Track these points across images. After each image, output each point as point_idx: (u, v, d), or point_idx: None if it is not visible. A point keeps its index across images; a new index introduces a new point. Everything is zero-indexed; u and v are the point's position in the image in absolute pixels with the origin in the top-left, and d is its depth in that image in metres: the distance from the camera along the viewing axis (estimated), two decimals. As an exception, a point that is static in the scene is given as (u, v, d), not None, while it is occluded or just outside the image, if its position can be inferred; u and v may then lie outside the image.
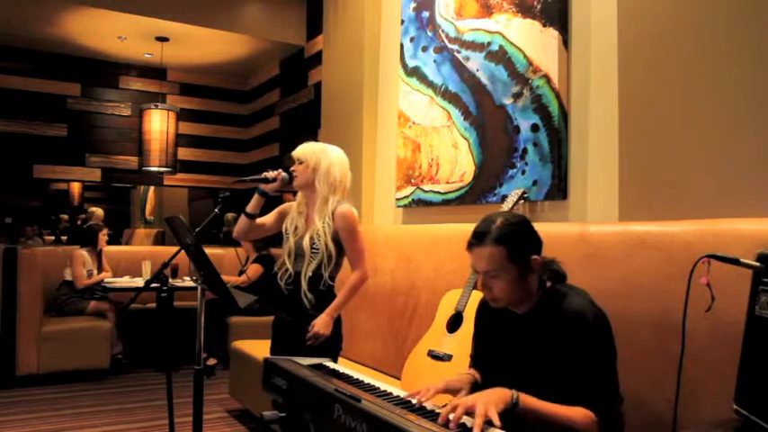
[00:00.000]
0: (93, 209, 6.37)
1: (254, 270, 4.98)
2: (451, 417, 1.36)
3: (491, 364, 1.78)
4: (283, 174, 2.45)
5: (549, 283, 1.66)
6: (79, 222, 7.24)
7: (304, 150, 2.45)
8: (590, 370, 1.54)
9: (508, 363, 1.71)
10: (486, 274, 1.59)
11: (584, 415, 1.49)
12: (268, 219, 2.57)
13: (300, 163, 2.44)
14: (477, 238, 1.59)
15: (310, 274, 2.36)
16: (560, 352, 1.58)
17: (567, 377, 1.55)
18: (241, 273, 5.12)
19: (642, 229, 1.95)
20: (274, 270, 2.49)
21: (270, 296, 2.53)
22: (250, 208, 2.48)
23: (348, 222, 2.39)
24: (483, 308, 1.85)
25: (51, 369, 4.54)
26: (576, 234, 2.15)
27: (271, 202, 2.59)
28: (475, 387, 1.70)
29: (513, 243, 1.57)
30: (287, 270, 2.42)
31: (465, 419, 1.37)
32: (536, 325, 1.64)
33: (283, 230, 2.51)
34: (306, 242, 2.37)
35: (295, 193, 2.56)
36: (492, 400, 1.38)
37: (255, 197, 2.47)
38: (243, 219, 2.50)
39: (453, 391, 1.64)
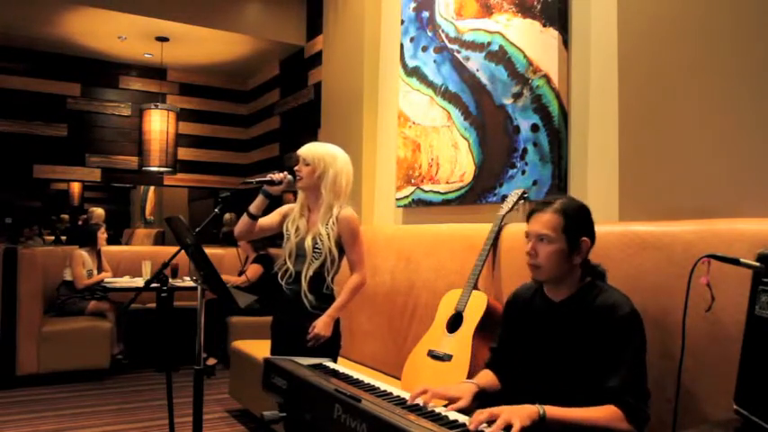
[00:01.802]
0: (94, 209, 6.37)
1: (254, 270, 4.99)
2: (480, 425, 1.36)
3: (518, 355, 1.79)
4: (289, 176, 2.45)
5: (588, 278, 1.73)
6: (80, 223, 7.25)
7: (312, 153, 2.43)
8: (620, 363, 1.56)
9: (536, 351, 1.73)
10: (537, 237, 1.69)
11: (611, 413, 1.51)
12: (269, 219, 2.57)
13: (307, 164, 2.43)
14: (541, 205, 1.73)
15: (311, 274, 2.37)
16: (591, 342, 1.61)
17: (595, 368, 1.57)
18: (241, 273, 5.13)
19: (642, 229, 1.95)
20: (274, 269, 2.50)
21: (270, 296, 2.53)
22: (253, 208, 2.48)
23: (352, 227, 2.42)
24: (512, 303, 1.90)
25: (51, 369, 4.55)
26: (576, 234, 2.14)
27: (273, 203, 2.59)
28: (477, 397, 1.70)
29: (570, 218, 1.68)
30: (287, 270, 2.43)
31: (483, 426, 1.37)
32: (571, 313, 1.69)
33: (284, 230, 2.52)
34: (308, 243, 2.39)
35: (296, 194, 2.56)
36: (518, 414, 1.40)
37: (260, 198, 2.47)
38: (245, 219, 2.50)
39: (453, 399, 1.64)
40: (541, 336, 1.74)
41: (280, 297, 2.47)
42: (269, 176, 2.44)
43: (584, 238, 1.69)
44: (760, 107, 1.85)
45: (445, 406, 1.57)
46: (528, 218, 1.75)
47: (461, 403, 1.61)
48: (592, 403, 1.53)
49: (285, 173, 2.46)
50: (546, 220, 1.68)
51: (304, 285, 2.37)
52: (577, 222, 1.69)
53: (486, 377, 1.83)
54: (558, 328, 1.71)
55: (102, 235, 5.22)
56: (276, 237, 2.62)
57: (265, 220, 2.55)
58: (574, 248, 1.68)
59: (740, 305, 1.35)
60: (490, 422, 1.36)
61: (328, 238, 2.37)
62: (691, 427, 1.62)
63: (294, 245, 2.44)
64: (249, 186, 2.45)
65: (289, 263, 2.43)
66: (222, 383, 4.49)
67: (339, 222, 2.39)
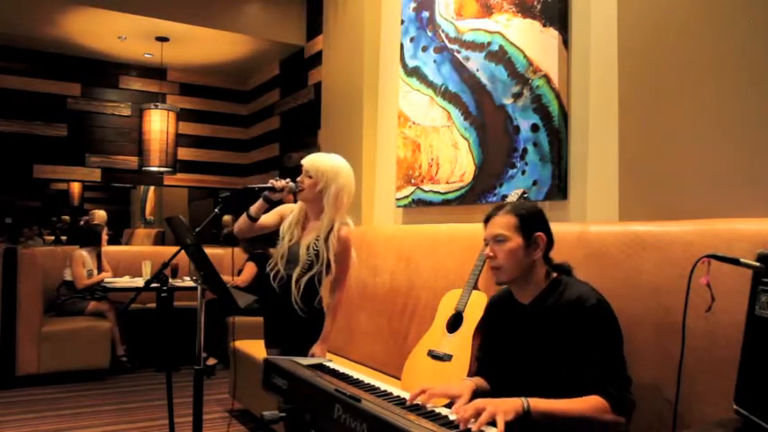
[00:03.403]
0: (96, 210, 6.38)
1: (249, 269, 4.99)
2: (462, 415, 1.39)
3: (500, 361, 1.81)
4: (291, 184, 2.48)
5: (554, 275, 1.76)
6: (81, 223, 7.25)
7: (315, 166, 2.45)
8: (595, 353, 1.58)
9: (515, 355, 1.75)
10: (494, 239, 1.74)
11: (595, 402, 1.53)
12: (267, 219, 2.61)
13: (309, 177, 2.45)
14: (494, 210, 1.79)
15: (304, 282, 2.40)
16: (564, 338, 1.62)
17: (573, 362, 1.59)
18: (239, 272, 5.13)
19: (642, 229, 1.95)
20: (267, 270, 2.53)
21: (265, 294, 2.57)
22: (253, 211, 2.52)
23: (347, 246, 2.47)
24: (490, 307, 1.93)
25: (51, 369, 4.55)
26: (576, 234, 2.15)
27: (273, 206, 2.62)
28: (476, 395, 1.71)
29: (523, 216, 1.74)
30: (278, 272, 2.47)
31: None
32: (540, 313, 1.71)
33: (280, 232, 2.56)
34: (302, 252, 2.42)
35: (296, 196, 2.58)
36: (502, 408, 1.41)
37: (260, 202, 2.52)
38: (245, 219, 2.54)
39: (453, 397, 1.65)
40: (517, 340, 1.75)
41: (272, 296, 2.50)
42: (270, 183, 2.48)
43: (539, 233, 1.73)
44: (760, 107, 1.85)
45: (447, 406, 1.58)
46: (484, 225, 1.80)
47: (462, 401, 1.62)
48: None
49: (287, 180, 2.49)
50: (499, 222, 1.74)
51: (295, 292, 2.40)
52: (530, 219, 1.74)
53: (480, 381, 1.84)
54: (531, 331, 1.72)
55: (104, 236, 5.25)
56: (274, 239, 2.65)
57: (263, 219, 2.59)
58: (530, 244, 1.72)
59: (740, 305, 1.35)
60: (477, 416, 1.39)
61: (327, 251, 2.41)
62: (691, 427, 1.62)
63: (286, 249, 2.49)
64: (252, 191, 2.49)
65: (280, 265, 2.47)
66: (222, 383, 4.49)
67: (338, 241, 2.43)
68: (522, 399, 1.48)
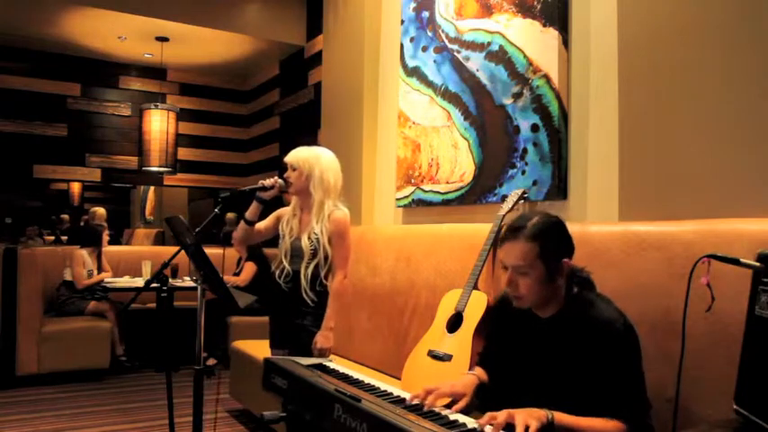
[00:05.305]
0: (96, 209, 6.38)
1: (249, 268, 4.99)
2: (489, 428, 1.37)
3: (504, 365, 1.78)
4: (280, 181, 2.53)
5: (575, 289, 1.65)
6: (81, 223, 7.24)
7: (297, 158, 2.53)
8: (620, 379, 1.54)
9: (525, 366, 1.70)
10: (514, 269, 1.59)
11: (616, 427, 1.50)
12: (265, 224, 2.66)
13: (294, 169, 2.52)
14: (512, 233, 1.60)
15: (310, 272, 2.46)
16: (587, 359, 1.56)
17: (595, 386, 1.54)
18: (237, 273, 5.13)
19: (642, 229, 1.95)
20: (272, 269, 2.57)
21: (268, 294, 2.59)
22: (249, 215, 2.56)
23: (341, 227, 2.50)
24: (501, 307, 1.84)
25: (51, 369, 4.54)
26: (576, 234, 2.12)
27: (272, 206, 2.64)
28: (480, 390, 1.70)
29: (545, 242, 1.57)
30: (284, 269, 2.50)
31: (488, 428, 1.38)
32: (560, 330, 1.63)
33: (279, 232, 2.60)
34: (304, 243, 2.47)
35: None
36: (532, 417, 1.40)
37: (254, 204, 2.55)
38: (242, 225, 2.59)
39: (457, 396, 1.64)
40: (529, 351, 1.69)
41: (278, 295, 2.52)
42: (260, 183, 2.52)
43: (565, 260, 1.61)
44: (760, 107, 1.85)
45: (448, 406, 1.57)
46: (501, 245, 1.65)
47: (463, 402, 1.61)
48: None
49: (276, 178, 2.55)
50: (519, 251, 1.57)
51: (304, 283, 2.45)
52: (554, 244, 1.59)
53: (481, 373, 1.84)
54: (546, 345, 1.65)
55: (105, 237, 5.26)
56: (273, 238, 2.67)
57: (262, 225, 2.64)
58: (554, 272, 1.59)
59: (740, 305, 1.35)
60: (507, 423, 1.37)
61: (322, 236, 2.46)
62: (691, 427, 1.62)
63: (289, 245, 2.52)
64: (244, 193, 2.53)
65: (285, 262, 2.51)
66: (222, 383, 4.49)
67: (330, 222, 2.49)
68: (546, 410, 1.45)
